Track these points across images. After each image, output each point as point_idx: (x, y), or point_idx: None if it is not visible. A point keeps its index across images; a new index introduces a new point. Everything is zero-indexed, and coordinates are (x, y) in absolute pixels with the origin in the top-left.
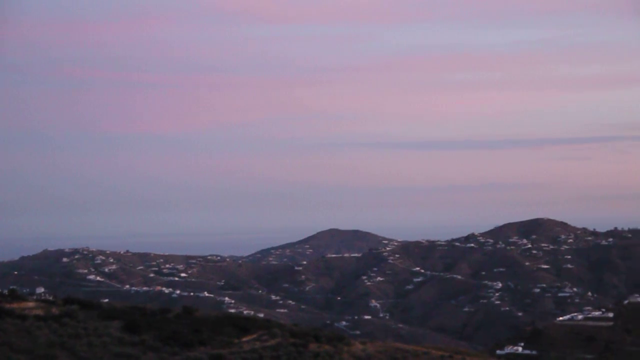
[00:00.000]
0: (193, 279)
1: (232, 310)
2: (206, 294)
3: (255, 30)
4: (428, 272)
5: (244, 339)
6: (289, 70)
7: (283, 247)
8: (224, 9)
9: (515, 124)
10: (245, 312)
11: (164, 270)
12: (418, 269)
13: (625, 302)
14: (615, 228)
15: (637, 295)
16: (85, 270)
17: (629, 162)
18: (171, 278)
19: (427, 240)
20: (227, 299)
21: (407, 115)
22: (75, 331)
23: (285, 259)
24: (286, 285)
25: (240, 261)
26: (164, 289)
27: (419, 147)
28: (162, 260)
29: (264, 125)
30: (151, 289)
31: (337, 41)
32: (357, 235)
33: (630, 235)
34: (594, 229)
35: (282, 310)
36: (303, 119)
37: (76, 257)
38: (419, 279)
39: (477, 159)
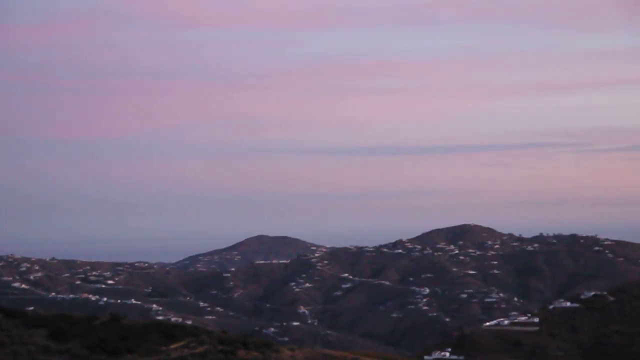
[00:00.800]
0: (120, 286)
1: (160, 318)
2: (134, 301)
3: (182, 34)
4: (356, 278)
5: (172, 347)
6: (216, 75)
7: (211, 253)
8: (150, 13)
9: (440, 130)
10: (173, 319)
11: (91, 278)
12: (346, 275)
13: (551, 307)
14: (541, 234)
15: (562, 300)
16: (10, 278)
17: (552, 168)
18: (98, 285)
19: (356, 247)
20: (154, 306)
21: (336, 122)
22: (0, 340)
23: (213, 266)
24: (214, 292)
25: (168, 268)
26: (90, 296)
27: (347, 154)
28: (88, 267)
29: (191, 130)
30: (77, 296)
31: (262, 47)
32: (285, 242)
33: (555, 241)
34: (520, 235)
35: (210, 317)
36: (230, 124)
37: (0, 264)
38: (347, 285)
39: (404, 165)
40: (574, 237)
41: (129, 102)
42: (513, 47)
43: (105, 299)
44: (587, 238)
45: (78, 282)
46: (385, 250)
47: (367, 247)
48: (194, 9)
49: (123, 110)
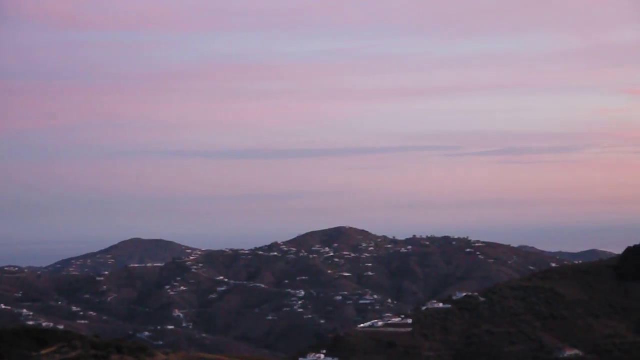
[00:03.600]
0: None
1: (31, 323)
2: (3, 306)
3: (54, 35)
4: (232, 282)
5: (43, 352)
6: (93, 77)
7: (84, 257)
8: (24, 12)
9: (318, 133)
10: (44, 324)
11: None
12: (222, 278)
13: (424, 308)
14: (414, 236)
15: (435, 301)
16: None
17: (425, 171)
18: None
19: (231, 250)
20: (25, 311)
21: (209, 124)
22: None
23: (86, 270)
24: (87, 296)
25: (39, 272)
26: None
27: (221, 156)
28: None
29: (66, 132)
30: None
31: (138, 48)
32: (160, 245)
33: (428, 243)
34: (394, 237)
35: (83, 322)
36: (106, 125)
37: None
38: (223, 288)
39: (279, 167)
40: (446, 239)
41: (9, 103)
42: (386, 52)
43: None
44: (459, 240)
45: None
46: (260, 253)
47: (242, 250)
48: (67, 9)
49: None
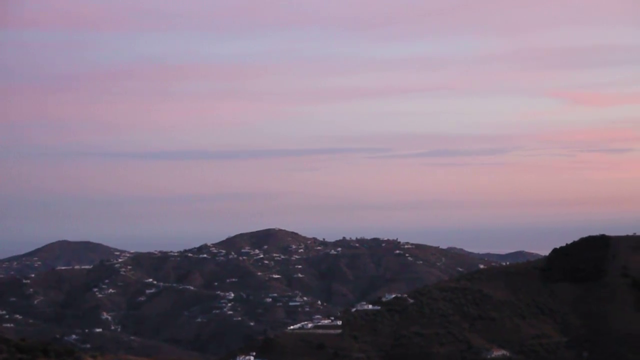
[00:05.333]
0: None
1: None
2: None
3: None
4: (161, 284)
5: None
6: (24, 77)
7: (10, 259)
8: None
9: (246, 134)
10: None
11: None
12: (151, 280)
13: (353, 310)
14: (344, 238)
15: (364, 303)
16: None
17: (355, 173)
18: None
19: (160, 252)
20: None
21: (138, 125)
22: None
23: (12, 272)
24: (13, 299)
25: None
26: None
27: (150, 157)
28: None
29: None
30: None
31: (69, 49)
32: (88, 247)
33: (357, 245)
34: (324, 239)
35: (9, 325)
36: (35, 126)
37: None
38: (151, 291)
39: (208, 168)
40: (375, 241)
41: None
42: (315, 53)
43: None
44: (388, 242)
45: None
46: (190, 255)
47: (171, 252)
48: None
49: None
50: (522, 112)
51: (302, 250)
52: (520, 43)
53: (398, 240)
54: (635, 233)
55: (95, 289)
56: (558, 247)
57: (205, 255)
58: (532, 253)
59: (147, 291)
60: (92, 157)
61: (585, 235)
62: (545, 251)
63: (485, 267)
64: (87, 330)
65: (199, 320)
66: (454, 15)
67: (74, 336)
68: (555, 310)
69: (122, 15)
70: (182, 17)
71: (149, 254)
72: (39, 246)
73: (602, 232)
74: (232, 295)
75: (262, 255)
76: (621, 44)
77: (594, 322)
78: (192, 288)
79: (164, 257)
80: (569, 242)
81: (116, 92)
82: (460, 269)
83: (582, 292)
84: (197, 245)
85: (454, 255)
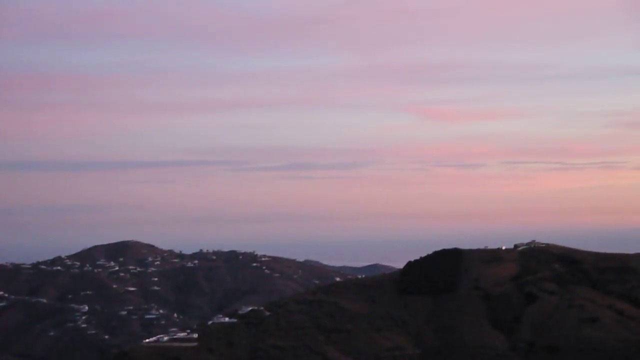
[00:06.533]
0: None
1: None
2: None
3: None
4: (12, 296)
5: None
6: None
7: None
8: None
9: (102, 145)
10: None
11: None
12: (2, 293)
13: (210, 322)
14: (201, 250)
15: (221, 315)
16: None
17: (212, 185)
18: None
19: (11, 263)
20: None
21: None
22: None
23: None
24: None
25: None
26: None
27: (4, 167)
28: None
29: None
30: None
31: None
32: None
33: (214, 257)
34: (181, 251)
35: None
36: None
37: None
38: (2, 304)
39: (64, 179)
40: (233, 254)
41: None
42: (174, 65)
43: None
44: (245, 254)
45: None
46: (43, 267)
47: (24, 264)
48: None
49: None
50: (378, 127)
51: (158, 262)
52: (377, 59)
53: (255, 252)
54: (487, 246)
55: None
56: (412, 260)
57: (59, 268)
58: (388, 266)
59: None
60: None
61: (438, 248)
62: (400, 264)
63: (341, 279)
64: None
65: (52, 334)
66: (312, 30)
67: None
68: (409, 322)
69: None
70: (26, 24)
71: (0, 266)
72: None
73: (455, 246)
74: (87, 308)
75: (117, 268)
76: (475, 61)
77: (447, 334)
78: (44, 301)
79: (15, 269)
80: (423, 255)
81: None
82: (316, 282)
83: (435, 305)
84: (50, 258)
85: (310, 268)
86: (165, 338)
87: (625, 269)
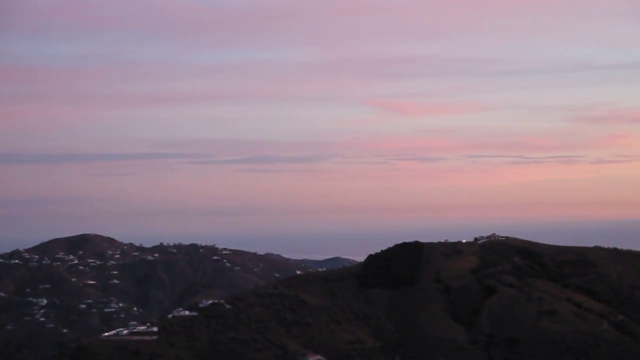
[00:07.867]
0: None
1: None
2: None
3: None
4: None
5: None
6: None
7: None
8: None
9: (60, 138)
10: None
11: None
12: None
13: (170, 316)
14: (161, 243)
15: (181, 309)
16: None
17: (173, 178)
18: None
19: None
20: None
21: None
22: None
23: None
24: None
25: None
26: None
27: None
28: None
29: None
30: None
31: None
32: None
33: (175, 251)
34: (141, 244)
35: None
36: None
37: None
38: None
39: (21, 172)
40: (193, 247)
41: None
42: (135, 58)
43: None
44: (206, 247)
45: None
46: (1, 260)
47: None
48: None
49: None
50: (340, 120)
51: (118, 255)
52: (337, 53)
53: (216, 246)
54: (447, 240)
55: None
56: (373, 253)
57: (17, 261)
58: (348, 259)
59: None
60: None
61: (399, 241)
62: (361, 257)
63: (302, 273)
64: None
65: (9, 327)
66: (273, 23)
67: None
68: (370, 315)
69: None
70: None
71: None
72: None
73: (415, 239)
74: (45, 301)
75: (77, 261)
76: (435, 55)
77: (408, 327)
78: (2, 295)
79: None
80: (384, 248)
81: None
82: (277, 275)
83: (396, 298)
84: (8, 251)
85: (271, 261)
86: (125, 332)
87: (584, 262)
